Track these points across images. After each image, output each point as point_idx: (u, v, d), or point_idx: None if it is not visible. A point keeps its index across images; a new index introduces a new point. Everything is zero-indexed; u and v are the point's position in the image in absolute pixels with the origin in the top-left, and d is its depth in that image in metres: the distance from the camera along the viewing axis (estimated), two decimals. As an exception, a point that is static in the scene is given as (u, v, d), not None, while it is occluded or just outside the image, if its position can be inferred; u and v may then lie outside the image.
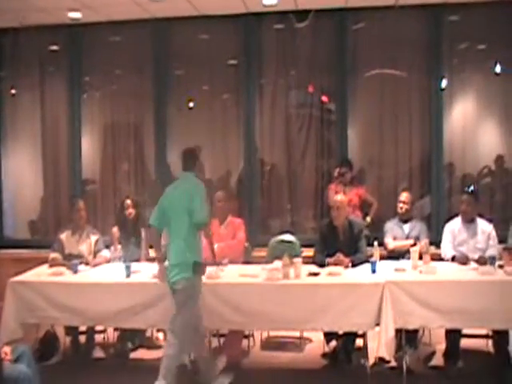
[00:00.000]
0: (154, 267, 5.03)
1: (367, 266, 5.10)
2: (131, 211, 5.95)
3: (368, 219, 6.56)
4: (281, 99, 7.32)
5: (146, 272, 5.20)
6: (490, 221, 5.65)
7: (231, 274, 5.15)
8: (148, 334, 5.89)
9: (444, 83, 7.09)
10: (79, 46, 7.45)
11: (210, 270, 4.96)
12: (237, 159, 7.39)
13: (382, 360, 4.67)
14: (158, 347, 5.60)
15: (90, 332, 5.59)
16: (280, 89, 7.32)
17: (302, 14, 7.02)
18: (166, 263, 4.83)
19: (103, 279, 5.19)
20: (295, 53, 7.23)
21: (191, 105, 7.49)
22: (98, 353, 5.53)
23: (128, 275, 5.11)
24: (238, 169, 7.41)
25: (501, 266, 5.00)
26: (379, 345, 4.65)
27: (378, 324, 4.69)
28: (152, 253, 5.64)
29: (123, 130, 7.59)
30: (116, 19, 7.08)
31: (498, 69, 7.15)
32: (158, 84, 7.36)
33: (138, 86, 7.51)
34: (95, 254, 5.79)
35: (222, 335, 5.56)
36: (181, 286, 4.63)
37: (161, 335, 5.81)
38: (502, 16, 6.92)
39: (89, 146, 7.68)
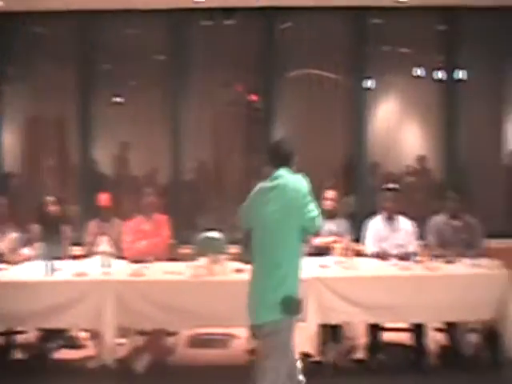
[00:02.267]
0: (77, 265, 4.91)
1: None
2: (53, 208, 5.79)
3: None
4: (208, 96, 7.30)
5: (67, 270, 5.07)
6: (410, 218, 5.84)
7: (156, 271, 5.10)
8: (71, 333, 5.73)
9: (368, 84, 7.27)
10: (1, 36, 7.17)
11: (134, 267, 4.89)
12: (164, 155, 7.31)
13: (306, 355, 4.74)
14: (81, 347, 5.49)
15: (10, 333, 5.40)
16: (208, 86, 7.31)
17: (230, 12, 7.04)
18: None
19: (23, 278, 5.01)
20: (223, 50, 7.24)
21: (118, 100, 7.36)
22: (18, 354, 5.36)
23: (49, 273, 4.97)
24: (165, 165, 7.35)
25: (420, 262, 5.17)
26: (303, 340, 4.72)
27: (302, 320, 4.76)
28: (74, 250, 5.51)
29: (47, 124, 7.37)
30: (40, 9, 6.86)
31: (419, 72, 7.40)
32: (83, 78, 7.18)
33: (63, 79, 7.27)
34: (15, 251, 5.61)
35: (147, 333, 5.49)
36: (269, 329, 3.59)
37: (84, 334, 5.69)
38: (423, 21, 7.20)
39: (11, 140, 7.40)
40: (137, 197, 5.92)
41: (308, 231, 3.69)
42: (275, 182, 3.67)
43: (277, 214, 3.56)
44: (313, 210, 3.62)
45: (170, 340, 5.60)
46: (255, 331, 3.67)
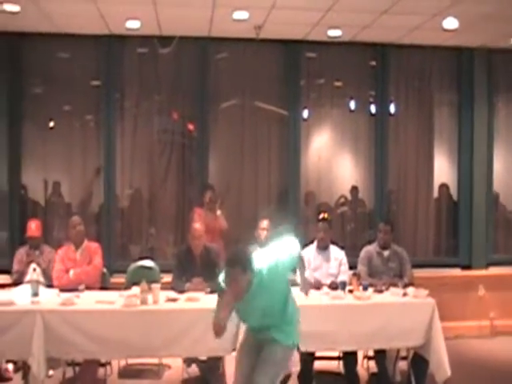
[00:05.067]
0: (3, 294, 4.74)
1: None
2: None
3: None
4: (143, 123, 7.27)
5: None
6: (342, 247, 5.96)
7: (87, 300, 4.97)
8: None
9: (303, 115, 7.43)
10: None
11: (64, 296, 4.77)
12: (97, 182, 7.20)
13: None
14: (7, 380, 5.30)
15: None
16: (143, 113, 7.29)
17: (165, 40, 7.05)
18: None
19: None
20: (158, 78, 7.24)
21: (51, 124, 7.22)
22: None
23: (-26, 303, 4.78)
24: (98, 192, 7.23)
25: (350, 291, 5.28)
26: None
27: (235, 349, 4.76)
28: (2, 279, 5.33)
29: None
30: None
31: (352, 105, 7.63)
32: (12, 101, 6.97)
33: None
34: None
35: (78, 364, 5.34)
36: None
37: (10, 366, 5.48)
38: (355, 56, 7.45)
39: None
40: (67, 224, 5.80)
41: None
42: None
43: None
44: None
45: (102, 371, 5.46)
46: None
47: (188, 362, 5.35)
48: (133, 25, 6.52)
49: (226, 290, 3.77)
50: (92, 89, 7.21)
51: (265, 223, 6.01)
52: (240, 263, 3.70)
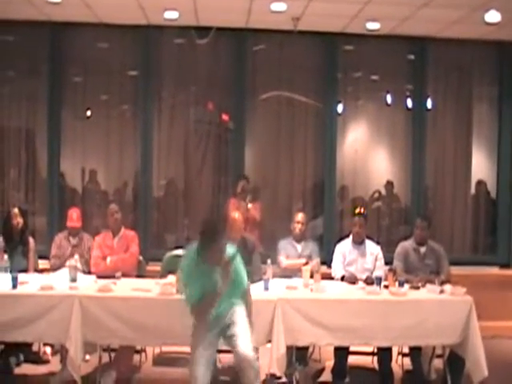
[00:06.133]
0: (42, 278, 4.82)
1: (260, 284, 5.17)
2: (19, 220, 5.68)
3: None
4: (180, 114, 7.31)
5: (33, 283, 4.97)
6: (377, 243, 5.93)
7: (123, 287, 5.03)
8: (35, 348, 5.60)
9: (339, 109, 7.38)
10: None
11: (102, 282, 4.82)
12: (133, 171, 7.27)
13: (273, 376, 4.76)
14: (45, 362, 5.39)
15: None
16: (179, 103, 7.32)
17: (203, 31, 7.05)
18: None
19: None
20: (195, 69, 7.25)
21: (88, 113, 7.29)
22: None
23: (14, 286, 4.86)
24: (134, 181, 7.29)
25: (386, 287, 5.23)
26: (270, 361, 4.73)
27: (269, 341, 4.77)
28: (41, 263, 5.42)
29: (14, 135, 7.21)
30: (10, 18, 6.76)
31: (388, 99, 7.56)
32: (53, 89, 7.08)
33: (32, 90, 7.19)
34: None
35: (113, 350, 5.40)
36: None
37: (48, 349, 5.56)
38: (393, 50, 7.37)
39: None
40: (105, 212, 5.86)
41: None
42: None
43: None
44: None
45: (136, 357, 5.52)
46: None
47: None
48: (171, 15, 6.53)
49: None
50: (130, 79, 7.27)
51: (300, 216, 6.00)
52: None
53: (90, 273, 5.51)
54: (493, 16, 6.19)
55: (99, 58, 7.22)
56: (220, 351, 4.78)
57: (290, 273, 5.73)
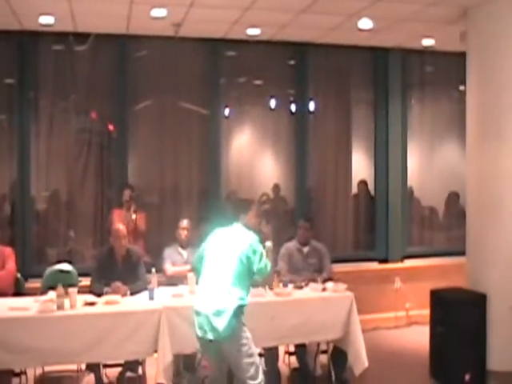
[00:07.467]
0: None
1: (145, 294, 5.10)
2: None
3: None
4: (59, 123, 7.05)
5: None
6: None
7: (-1, 307, 4.81)
8: None
9: (224, 114, 7.43)
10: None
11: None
12: (10, 184, 6.95)
13: (160, 385, 4.68)
14: None
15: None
16: (59, 112, 7.06)
17: (81, 37, 6.86)
18: None
19: None
20: (75, 76, 7.02)
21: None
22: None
23: None
24: (12, 194, 6.97)
25: (271, 288, 5.31)
26: (158, 371, 4.67)
27: (156, 351, 4.72)
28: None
29: None
30: None
31: (272, 104, 7.70)
32: None
33: None
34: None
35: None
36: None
37: None
38: (275, 55, 7.51)
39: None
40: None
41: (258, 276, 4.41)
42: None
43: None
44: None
45: (16, 381, 5.26)
46: None
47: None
48: (46, 20, 6.28)
49: None
50: (5, 87, 6.95)
51: (185, 223, 5.99)
52: None
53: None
54: (365, 23, 6.46)
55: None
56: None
57: (176, 281, 5.69)
